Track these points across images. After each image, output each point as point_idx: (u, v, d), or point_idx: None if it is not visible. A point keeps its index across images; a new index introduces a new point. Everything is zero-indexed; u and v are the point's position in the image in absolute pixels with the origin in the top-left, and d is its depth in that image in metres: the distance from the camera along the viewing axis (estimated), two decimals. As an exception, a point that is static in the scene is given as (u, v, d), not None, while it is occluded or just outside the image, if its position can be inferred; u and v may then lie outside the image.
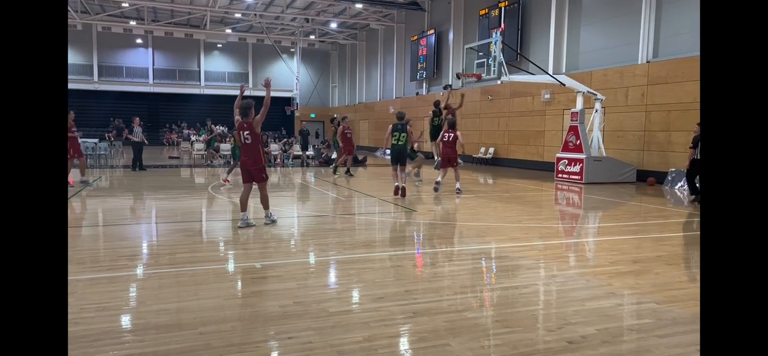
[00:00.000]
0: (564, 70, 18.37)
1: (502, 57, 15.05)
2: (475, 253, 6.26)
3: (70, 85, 34.66)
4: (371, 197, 11.37)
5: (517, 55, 19.37)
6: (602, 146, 15.36)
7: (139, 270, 5.17)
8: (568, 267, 5.62)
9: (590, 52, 17.81)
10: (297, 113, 38.84)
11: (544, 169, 18.57)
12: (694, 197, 11.18)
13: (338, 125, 16.29)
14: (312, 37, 38.01)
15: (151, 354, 3.13)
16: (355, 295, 4.44)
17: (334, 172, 15.88)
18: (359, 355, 3.18)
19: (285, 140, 25.60)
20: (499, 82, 16.14)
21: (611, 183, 14.45)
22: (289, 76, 39.39)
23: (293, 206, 10.50)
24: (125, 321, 3.74)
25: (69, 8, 28.79)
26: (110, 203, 10.10)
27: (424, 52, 27.69)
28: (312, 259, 5.77)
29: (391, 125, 11.02)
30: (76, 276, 4.78)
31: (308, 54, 40.89)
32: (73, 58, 35.38)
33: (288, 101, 39.08)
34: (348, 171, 16.08)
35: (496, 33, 15.31)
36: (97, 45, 36.14)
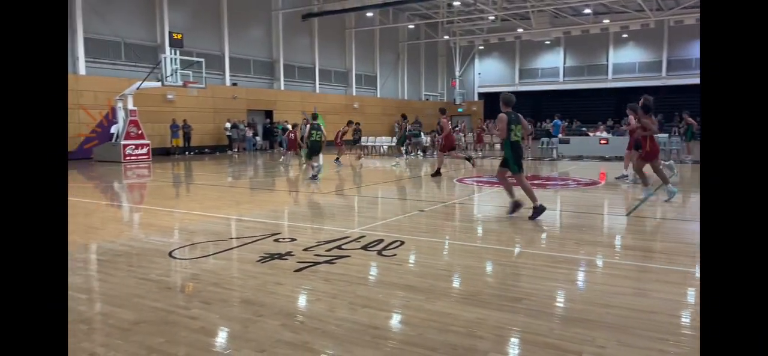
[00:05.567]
0: None
1: None
2: None
3: (640, 83, 35.84)
4: None
5: None
6: None
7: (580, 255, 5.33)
8: None
9: None
10: None
11: None
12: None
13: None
14: None
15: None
16: None
17: None
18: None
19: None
20: None
21: None
22: None
23: None
24: (576, 302, 4.08)
25: (644, 7, 30.27)
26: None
27: None
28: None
29: (506, 116, 7.35)
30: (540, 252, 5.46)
31: None
32: (643, 56, 37.01)
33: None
34: None
35: None
36: (668, 40, 36.48)
